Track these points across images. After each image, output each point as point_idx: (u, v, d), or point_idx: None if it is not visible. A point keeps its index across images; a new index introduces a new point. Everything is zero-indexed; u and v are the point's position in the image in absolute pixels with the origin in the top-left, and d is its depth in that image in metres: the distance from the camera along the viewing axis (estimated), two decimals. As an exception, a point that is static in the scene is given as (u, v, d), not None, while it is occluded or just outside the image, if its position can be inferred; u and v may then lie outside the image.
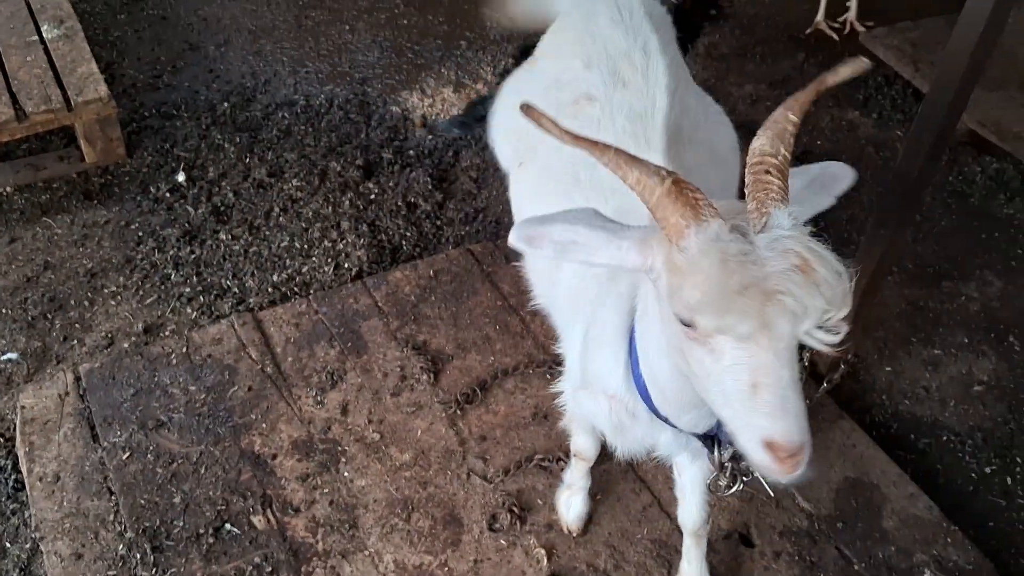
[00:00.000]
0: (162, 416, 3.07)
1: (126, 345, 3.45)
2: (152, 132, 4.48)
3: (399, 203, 4.11)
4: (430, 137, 4.54)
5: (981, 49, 2.60)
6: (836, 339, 1.47)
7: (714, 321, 1.44)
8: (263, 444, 3.01)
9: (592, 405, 2.21)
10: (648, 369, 1.90)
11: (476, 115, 4.48)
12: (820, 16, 5.45)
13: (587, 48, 2.50)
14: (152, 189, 4.14)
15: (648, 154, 2.15)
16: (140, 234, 3.93)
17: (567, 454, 2.84)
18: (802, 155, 4.53)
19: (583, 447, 2.64)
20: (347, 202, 4.09)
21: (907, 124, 4.66)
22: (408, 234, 3.97)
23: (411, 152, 4.43)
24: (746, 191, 1.54)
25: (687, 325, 1.50)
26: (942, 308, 3.77)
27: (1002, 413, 3.38)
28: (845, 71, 1.64)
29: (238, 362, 3.25)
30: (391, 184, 4.22)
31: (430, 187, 4.20)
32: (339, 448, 3.01)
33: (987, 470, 3.21)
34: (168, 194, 4.11)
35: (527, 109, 1.52)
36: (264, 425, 3.06)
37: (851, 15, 5.46)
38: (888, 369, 3.52)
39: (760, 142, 1.58)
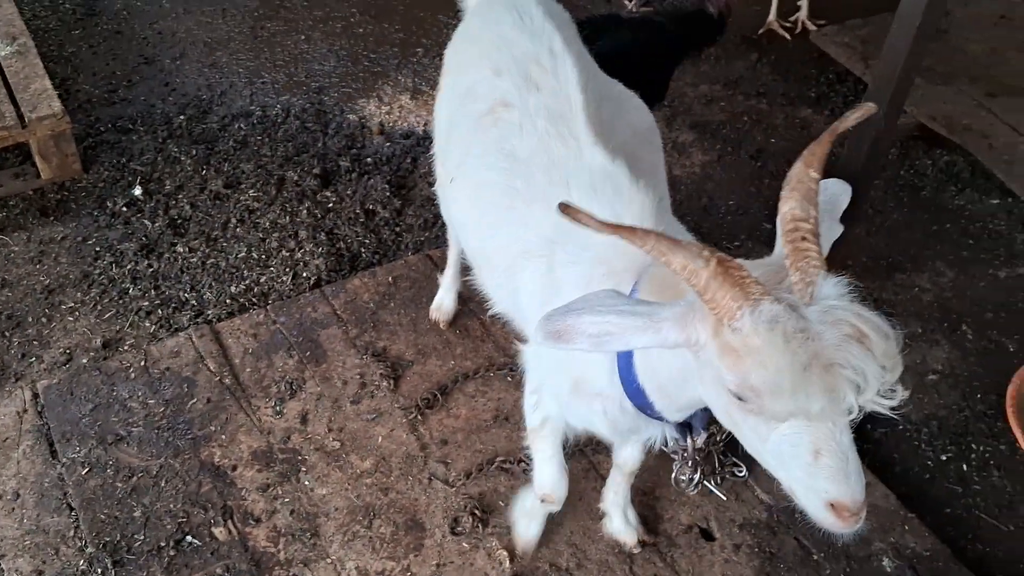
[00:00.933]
0: (121, 430, 3.06)
1: (84, 361, 3.43)
2: (108, 147, 4.45)
3: (357, 211, 4.11)
4: (388, 144, 4.55)
5: (918, 43, 2.66)
6: (893, 402, 1.50)
7: (787, 405, 1.46)
8: (223, 455, 3.01)
9: (584, 408, 2.21)
10: (659, 390, 1.91)
11: None
12: (772, 16, 5.52)
13: (494, 56, 2.50)
14: (109, 204, 4.11)
15: (579, 149, 2.18)
16: (97, 249, 3.90)
17: (528, 457, 2.85)
18: (756, 153, 4.58)
19: (551, 484, 2.55)
20: (305, 211, 4.09)
21: (859, 120, 4.71)
22: (367, 241, 3.97)
23: (369, 160, 4.44)
24: (786, 260, 1.55)
25: (741, 398, 1.53)
26: (896, 299, 3.82)
27: (956, 401, 3.43)
28: (854, 116, 1.67)
29: (196, 374, 3.24)
30: (349, 192, 4.22)
31: (388, 194, 4.20)
32: (299, 457, 3.01)
33: (943, 458, 3.26)
34: (125, 208, 4.09)
35: (565, 208, 1.51)
36: (223, 436, 3.06)
37: (802, 14, 5.53)
38: (844, 361, 3.55)
39: (790, 206, 1.59)
